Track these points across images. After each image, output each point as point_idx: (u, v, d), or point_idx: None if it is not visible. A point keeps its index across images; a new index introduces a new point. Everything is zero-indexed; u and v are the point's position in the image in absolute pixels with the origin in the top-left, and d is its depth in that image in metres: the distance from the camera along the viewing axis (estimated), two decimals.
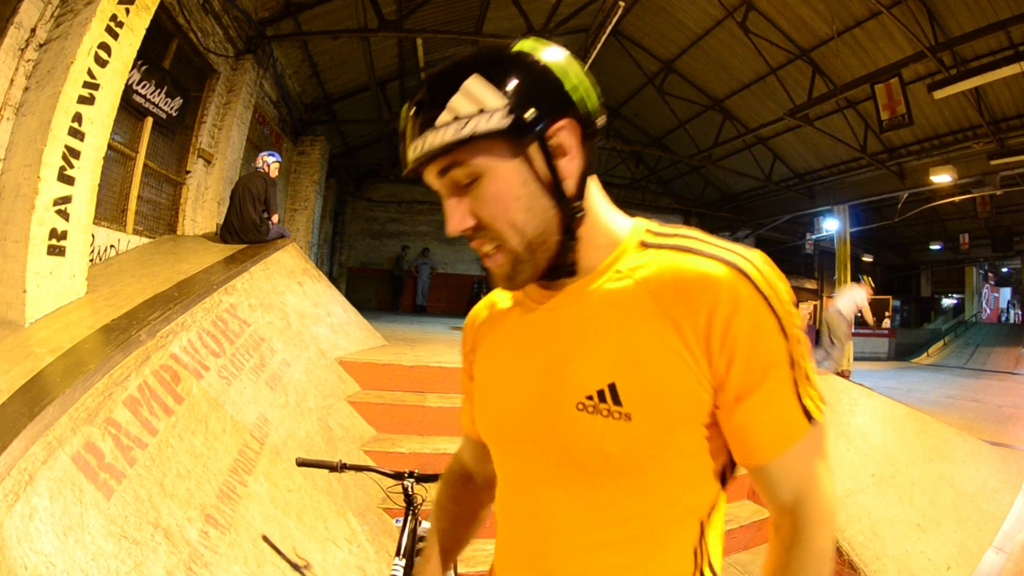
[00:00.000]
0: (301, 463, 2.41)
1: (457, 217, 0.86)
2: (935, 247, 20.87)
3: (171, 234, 6.82)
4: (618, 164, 17.61)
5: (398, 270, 16.19)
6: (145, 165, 6.12)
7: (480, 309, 1.11)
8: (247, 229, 6.24)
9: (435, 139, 0.80)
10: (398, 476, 2.41)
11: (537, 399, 0.89)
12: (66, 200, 4.01)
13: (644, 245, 0.90)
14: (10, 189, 3.93)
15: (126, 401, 2.83)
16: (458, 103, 0.80)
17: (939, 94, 8.15)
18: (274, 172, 6.68)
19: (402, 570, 2.17)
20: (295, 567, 2.79)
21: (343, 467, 2.36)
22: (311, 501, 3.25)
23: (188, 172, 7.19)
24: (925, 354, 19.71)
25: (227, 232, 6.35)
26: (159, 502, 2.53)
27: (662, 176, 18.05)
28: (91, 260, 4.51)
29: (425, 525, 2.61)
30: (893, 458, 4.57)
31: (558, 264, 0.89)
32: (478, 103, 0.79)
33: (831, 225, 14.29)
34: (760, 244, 18.38)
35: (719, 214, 17.62)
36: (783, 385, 0.80)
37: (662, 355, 0.81)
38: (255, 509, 2.89)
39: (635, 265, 0.87)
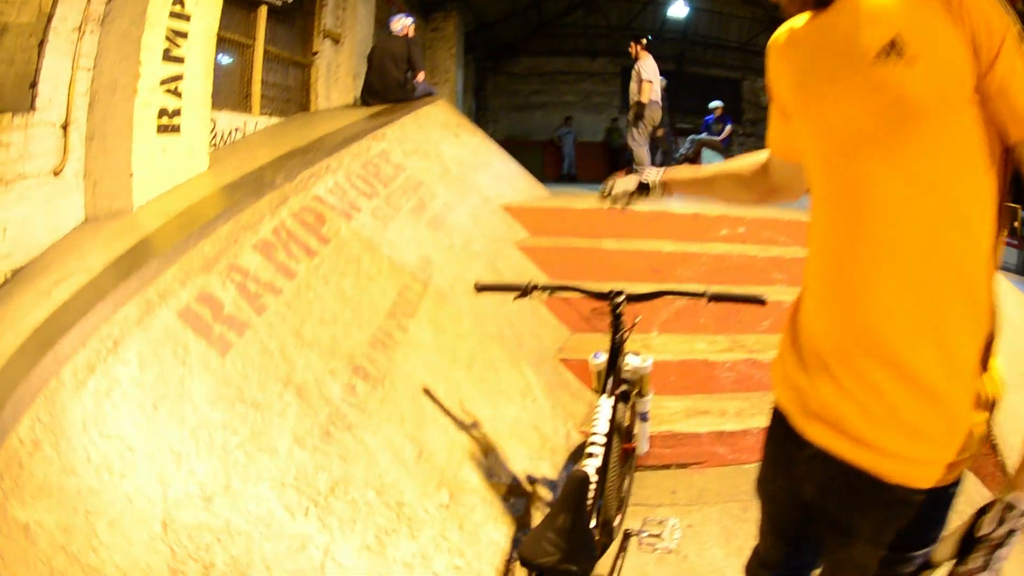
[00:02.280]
0: (481, 288, 1.76)
1: None
2: None
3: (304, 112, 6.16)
4: (759, 31, 14.65)
5: (613, 142, 14.59)
6: (265, 51, 5.52)
7: (780, 33, 1.04)
8: (390, 89, 5.38)
9: None
10: (603, 296, 1.71)
11: (842, 78, 0.88)
12: (176, 78, 3.55)
13: None
14: (105, 89, 3.51)
15: (257, 245, 2.14)
16: None
17: None
18: (412, 32, 5.72)
19: (610, 410, 1.50)
20: (461, 425, 2.06)
21: (534, 289, 1.71)
22: (482, 349, 2.49)
23: (315, 53, 6.48)
24: None
25: (368, 94, 5.54)
26: (293, 354, 1.84)
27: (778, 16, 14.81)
28: (214, 145, 4.01)
29: (632, 361, 1.82)
30: None
31: None
32: None
33: None
34: None
35: None
36: (1020, 54, 0.78)
37: (928, 17, 0.81)
38: (416, 357, 2.16)
39: None
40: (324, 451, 1.63)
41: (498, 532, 1.82)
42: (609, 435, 1.48)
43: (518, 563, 1.09)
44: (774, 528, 1.12)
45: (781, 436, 0.99)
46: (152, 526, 1.27)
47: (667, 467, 2.63)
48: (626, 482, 2.10)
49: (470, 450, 1.99)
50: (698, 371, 2.90)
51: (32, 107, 3.42)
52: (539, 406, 2.45)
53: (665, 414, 2.68)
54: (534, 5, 12.48)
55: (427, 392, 2.06)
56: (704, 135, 9.66)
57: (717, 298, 1.60)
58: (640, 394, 1.95)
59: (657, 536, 1.74)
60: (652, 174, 1.41)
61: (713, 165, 1.33)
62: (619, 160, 14.49)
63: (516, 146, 15.33)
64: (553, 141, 14.51)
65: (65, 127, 3.54)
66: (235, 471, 1.46)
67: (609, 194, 1.52)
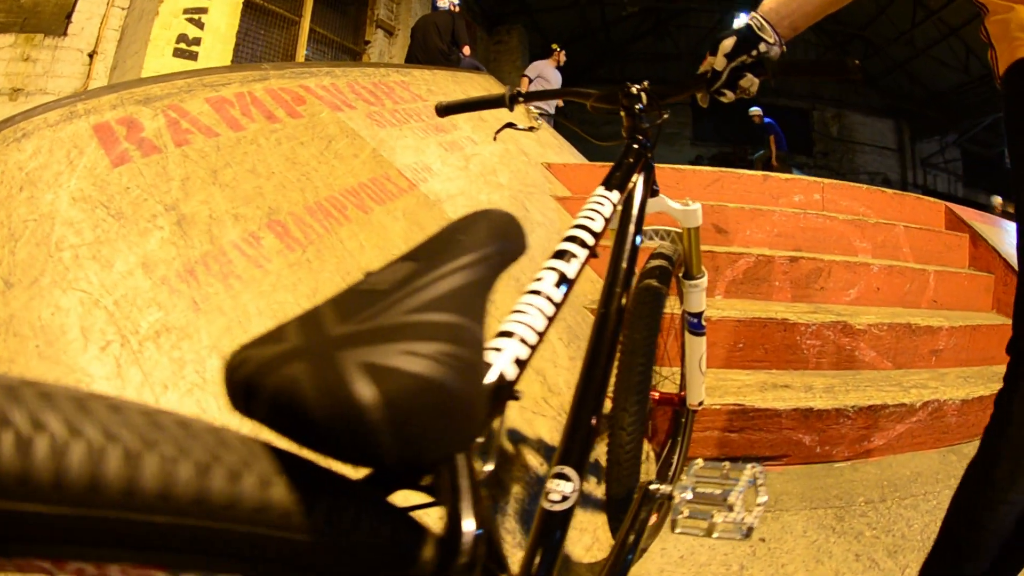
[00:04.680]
0: (444, 108, 1.18)
1: None
2: None
3: None
4: (824, 55, 13.83)
5: None
6: (312, 30, 5.52)
7: None
8: (433, 60, 4.94)
9: None
10: (611, 96, 1.06)
11: None
12: (201, 11, 3.69)
13: None
14: (134, 21, 3.69)
15: (212, 99, 1.67)
16: None
17: None
18: (457, 9, 5.35)
19: (608, 204, 0.82)
20: None
21: (518, 97, 1.13)
22: None
23: (367, 42, 6.45)
24: None
25: None
26: (195, 187, 1.32)
27: (868, 71, 13.96)
28: None
29: (667, 205, 1.16)
30: None
31: None
32: None
33: None
34: (967, 157, 14.17)
35: (927, 113, 13.33)
36: None
37: None
38: (368, 239, 1.51)
39: None
40: (174, 289, 1.08)
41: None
42: (616, 277, 0.80)
43: None
44: None
45: None
46: None
47: (734, 461, 1.85)
48: (677, 452, 1.35)
49: None
50: (774, 335, 2.12)
51: (64, 33, 3.67)
52: (551, 349, 1.74)
53: (732, 387, 1.91)
54: (603, 28, 12.06)
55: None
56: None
57: (786, 70, 0.93)
58: (688, 275, 1.22)
59: (721, 503, 0.93)
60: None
61: None
62: None
63: None
64: None
65: (92, 55, 3.75)
66: (52, 270, 1.02)
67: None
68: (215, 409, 0.95)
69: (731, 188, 3.28)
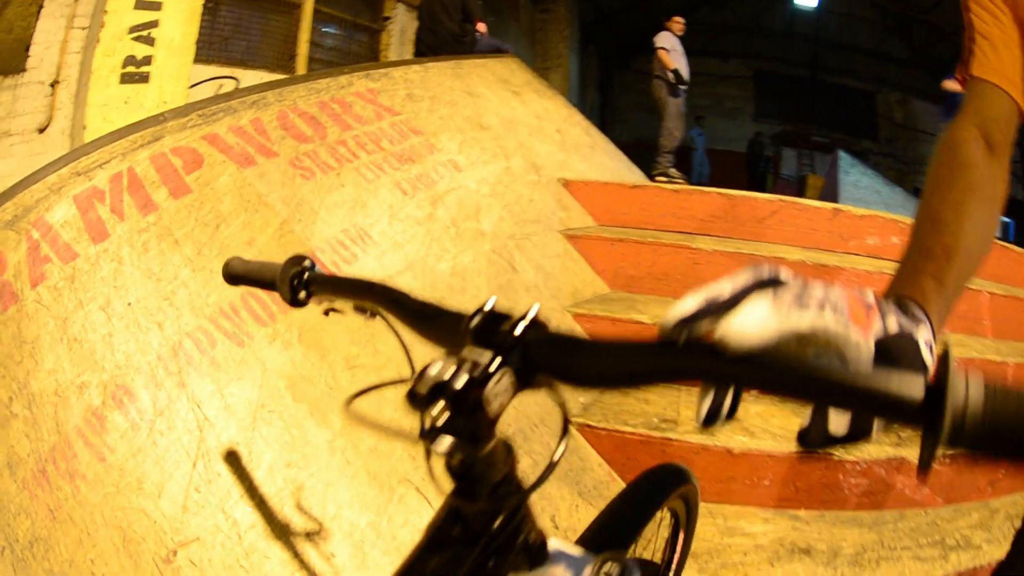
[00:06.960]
0: (230, 277, 0.73)
1: None
2: None
3: None
4: (888, 37, 13.24)
5: (752, 156, 13.66)
6: (317, 11, 5.40)
7: None
8: (444, 42, 4.68)
9: None
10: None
11: None
12: (150, 25, 3.56)
13: None
14: (90, 44, 3.58)
15: (81, 195, 1.52)
16: None
17: None
18: None
19: None
20: (279, 527, 1.14)
21: (301, 286, 0.63)
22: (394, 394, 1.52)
23: (387, 18, 6.36)
24: None
25: (419, 53, 4.89)
26: (44, 350, 1.22)
27: (935, 57, 12.81)
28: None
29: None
30: None
31: None
32: None
33: None
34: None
35: None
36: None
37: None
38: (243, 390, 1.29)
39: None
40: (34, 494, 1.10)
41: None
42: None
43: None
44: None
45: None
46: None
47: None
48: None
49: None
50: (812, 473, 1.78)
51: (23, 69, 3.59)
52: None
53: (738, 550, 1.59)
54: None
55: (231, 457, 1.14)
56: None
57: None
58: None
59: None
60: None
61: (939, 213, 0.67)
62: (756, 171, 13.15)
63: (645, 150, 14.29)
64: (687, 144, 12.77)
65: (54, 85, 3.62)
66: None
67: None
68: None
69: (792, 224, 2.86)
